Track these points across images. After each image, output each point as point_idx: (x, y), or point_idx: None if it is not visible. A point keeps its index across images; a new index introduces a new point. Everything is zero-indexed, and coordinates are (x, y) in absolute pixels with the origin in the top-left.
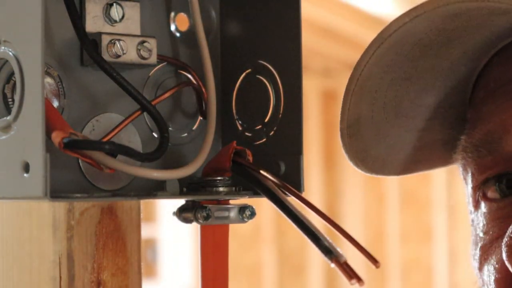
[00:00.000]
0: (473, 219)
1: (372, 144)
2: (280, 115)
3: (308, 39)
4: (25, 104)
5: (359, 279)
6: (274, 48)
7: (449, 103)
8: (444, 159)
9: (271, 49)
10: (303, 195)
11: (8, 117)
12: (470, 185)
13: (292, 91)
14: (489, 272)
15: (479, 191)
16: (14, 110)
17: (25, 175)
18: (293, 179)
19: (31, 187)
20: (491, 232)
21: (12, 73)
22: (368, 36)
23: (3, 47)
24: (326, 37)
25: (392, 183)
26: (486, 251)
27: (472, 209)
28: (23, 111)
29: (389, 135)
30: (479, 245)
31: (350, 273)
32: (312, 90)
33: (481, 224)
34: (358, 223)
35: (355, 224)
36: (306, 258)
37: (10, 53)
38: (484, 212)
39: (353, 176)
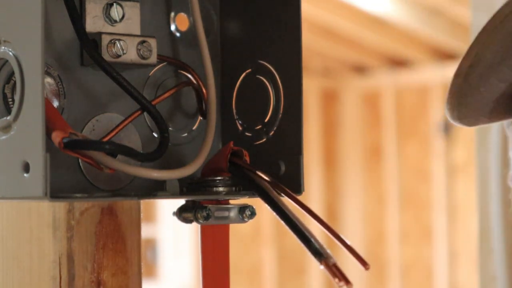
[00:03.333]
0: None
1: (472, 90)
2: (280, 115)
3: (308, 39)
4: (25, 104)
5: (347, 282)
6: (274, 48)
7: None
8: (510, 114)
9: (271, 49)
10: (304, 195)
11: (8, 117)
12: None
13: (292, 91)
14: None
15: None
16: (14, 110)
17: (25, 175)
18: (293, 179)
19: (31, 187)
20: None
21: (12, 73)
22: (368, 36)
23: (3, 47)
24: (326, 37)
25: (392, 183)
26: None
27: None
28: (23, 111)
29: (485, 82)
30: None
31: (339, 275)
32: (312, 90)
33: None
34: (358, 223)
35: (355, 224)
36: (306, 258)
37: (10, 53)
38: None
39: (353, 176)
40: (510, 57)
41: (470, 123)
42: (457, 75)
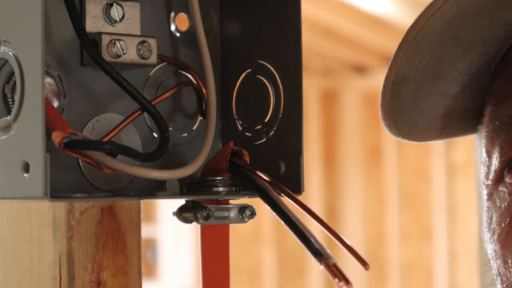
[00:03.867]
0: (490, 193)
1: (406, 106)
2: (280, 115)
3: (308, 39)
4: (25, 104)
5: (347, 282)
6: (274, 48)
7: (480, 72)
8: (466, 129)
9: (271, 49)
10: (304, 195)
11: (8, 117)
12: (496, 158)
13: (292, 91)
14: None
15: (508, 166)
16: (14, 110)
17: (25, 175)
18: (293, 179)
19: (31, 187)
20: None
21: (12, 73)
22: (368, 36)
23: (3, 47)
24: (326, 37)
25: (392, 183)
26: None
27: (490, 182)
28: (23, 111)
29: (423, 98)
30: (499, 222)
31: (339, 275)
32: (312, 90)
33: (504, 198)
34: (358, 223)
35: (355, 224)
36: (306, 258)
37: (10, 53)
38: (510, 185)
39: (353, 176)
40: (440, 72)
41: (420, 139)
42: (383, 92)
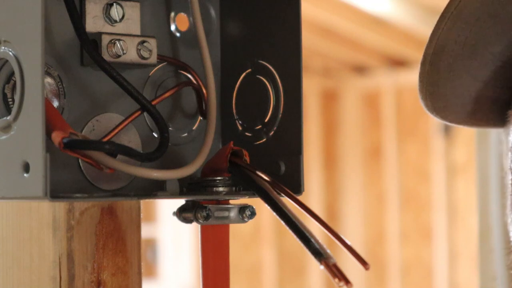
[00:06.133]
0: None
1: (443, 81)
2: (280, 115)
3: (308, 39)
4: (25, 104)
5: (347, 282)
6: (274, 48)
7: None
8: (494, 120)
9: (271, 49)
10: (304, 195)
11: (8, 117)
12: None
13: (292, 91)
14: None
15: None
16: (14, 110)
17: (25, 175)
18: (293, 179)
19: (31, 187)
20: None
21: (12, 73)
22: (368, 36)
23: (3, 47)
24: (326, 37)
25: (392, 183)
26: None
27: None
28: (23, 111)
29: (458, 76)
30: None
31: (339, 275)
32: (312, 90)
33: None
34: (358, 223)
35: (355, 224)
36: (306, 258)
37: (10, 53)
38: None
39: (353, 176)
40: (476, 52)
41: (451, 120)
42: (422, 62)
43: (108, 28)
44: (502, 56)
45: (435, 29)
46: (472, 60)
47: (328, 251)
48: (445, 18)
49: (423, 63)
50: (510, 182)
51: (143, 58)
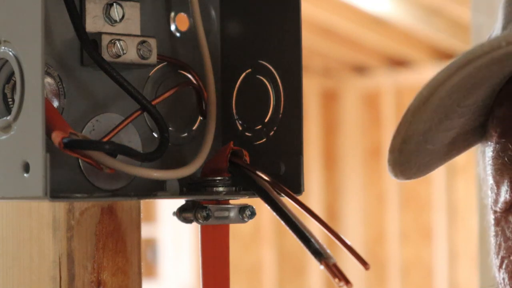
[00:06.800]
0: (499, 220)
1: (414, 156)
2: (280, 115)
3: (308, 39)
4: (25, 104)
5: (347, 282)
6: (274, 48)
7: (486, 98)
8: (469, 145)
9: (271, 49)
10: (304, 195)
11: (8, 117)
12: (506, 192)
13: (292, 91)
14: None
15: None
16: (14, 110)
17: (25, 175)
18: (293, 179)
19: (31, 187)
20: None
21: (12, 73)
22: (368, 36)
23: (3, 47)
24: (326, 37)
25: (392, 183)
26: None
27: (499, 210)
28: (23, 111)
29: (430, 141)
30: (507, 254)
31: (339, 275)
32: (312, 90)
33: None
34: (358, 223)
35: (355, 224)
36: (306, 258)
37: (10, 53)
38: None
39: (353, 176)
40: (448, 114)
41: (424, 175)
42: (391, 151)
43: (108, 28)
44: (476, 102)
45: (401, 121)
46: (444, 121)
47: (328, 251)
48: (411, 111)
49: (391, 152)
50: (492, 221)
51: (143, 58)
